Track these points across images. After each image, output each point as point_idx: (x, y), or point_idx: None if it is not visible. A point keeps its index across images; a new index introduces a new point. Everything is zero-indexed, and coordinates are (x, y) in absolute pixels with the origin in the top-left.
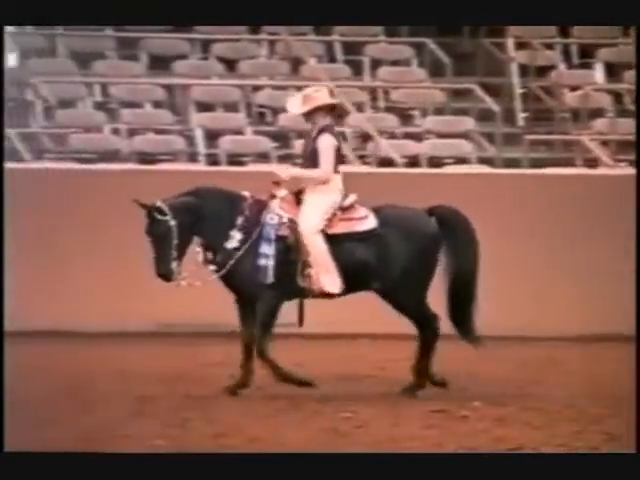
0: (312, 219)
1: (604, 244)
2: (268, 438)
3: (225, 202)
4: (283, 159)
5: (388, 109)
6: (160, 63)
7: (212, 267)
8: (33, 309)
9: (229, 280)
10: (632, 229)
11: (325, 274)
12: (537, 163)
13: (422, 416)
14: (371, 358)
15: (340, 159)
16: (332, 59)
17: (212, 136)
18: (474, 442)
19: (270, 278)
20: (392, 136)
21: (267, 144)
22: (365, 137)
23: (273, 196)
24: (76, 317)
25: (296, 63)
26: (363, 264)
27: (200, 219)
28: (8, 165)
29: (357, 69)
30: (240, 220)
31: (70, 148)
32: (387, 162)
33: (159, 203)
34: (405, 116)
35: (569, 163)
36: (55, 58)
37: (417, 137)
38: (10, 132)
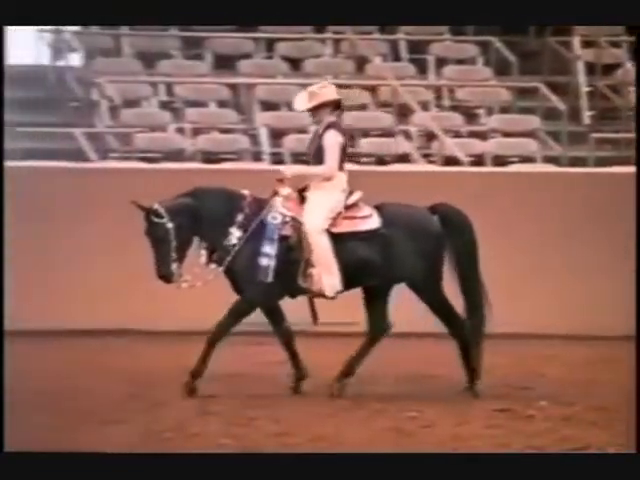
0: (317, 218)
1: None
2: (331, 437)
3: (223, 201)
4: (347, 158)
5: (453, 108)
6: (225, 62)
7: (214, 266)
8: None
9: (229, 277)
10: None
11: (327, 275)
12: (603, 162)
13: (487, 415)
14: (434, 357)
15: (345, 156)
16: (397, 58)
17: (276, 135)
18: (540, 442)
19: (270, 277)
20: (457, 135)
21: None
22: (430, 136)
23: (276, 194)
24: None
25: (361, 62)
26: (366, 263)
27: (198, 220)
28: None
29: (422, 68)
30: (240, 217)
31: (135, 147)
32: (452, 161)
33: (156, 206)
34: (470, 115)
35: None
36: (121, 58)
37: (482, 136)
38: (76, 132)
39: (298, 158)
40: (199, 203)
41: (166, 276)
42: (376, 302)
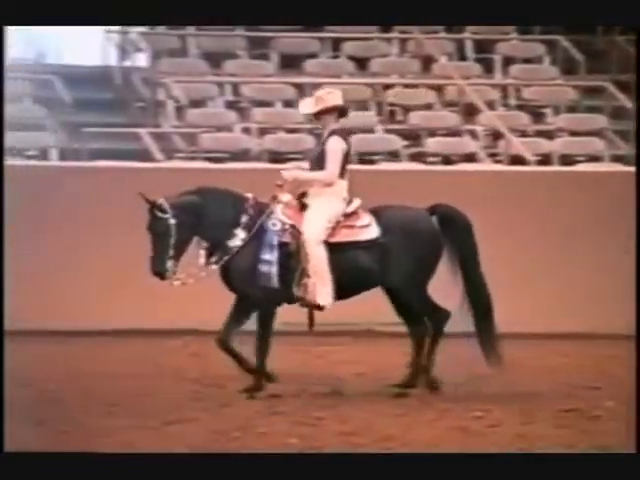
0: (316, 228)
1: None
2: (399, 437)
3: (228, 202)
4: (414, 157)
5: (520, 107)
6: (291, 62)
7: (213, 266)
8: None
9: (226, 277)
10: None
11: (321, 286)
12: None
13: (553, 415)
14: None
15: (347, 164)
16: (463, 57)
17: None
18: (606, 441)
19: (275, 284)
20: (524, 134)
21: (397, 142)
22: (496, 135)
23: (275, 199)
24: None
25: (427, 61)
26: (365, 272)
27: (201, 219)
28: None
29: (488, 67)
30: (245, 219)
31: (201, 148)
32: (518, 160)
33: (161, 200)
34: (537, 114)
35: None
36: (187, 58)
37: (549, 135)
38: (142, 132)
39: (364, 158)
40: (204, 202)
41: (160, 272)
42: (406, 308)
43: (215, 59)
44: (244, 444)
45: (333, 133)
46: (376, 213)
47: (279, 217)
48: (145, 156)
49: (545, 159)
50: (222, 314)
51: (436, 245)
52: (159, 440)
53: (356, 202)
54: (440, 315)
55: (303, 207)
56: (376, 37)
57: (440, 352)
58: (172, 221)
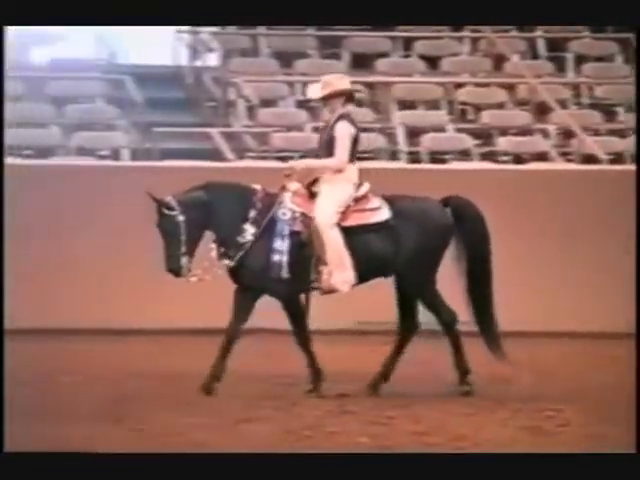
0: (327, 212)
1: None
2: (471, 436)
3: (236, 196)
4: (485, 157)
5: (592, 105)
6: (362, 61)
7: (226, 261)
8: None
9: (238, 273)
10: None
11: (339, 270)
12: None
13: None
14: (572, 356)
15: (357, 148)
16: (535, 55)
17: (413, 134)
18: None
19: (285, 273)
20: (596, 133)
21: (469, 141)
22: (568, 134)
23: (284, 189)
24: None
25: (499, 60)
26: (378, 256)
27: (211, 214)
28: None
29: (560, 65)
30: (253, 213)
31: (272, 147)
32: (590, 159)
33: (168, 198)
34: (609, 112)
35: None
36: (258, 57)
37: (621, 134)
38: (213, 132)
39: (435, 157)
40: (212, 197)
41: (175, 270)
42: (406, 301)
43: (286, 58)
44: (315, 443)
45: (341, 118)
46: (388, 199)
47: (289, 206)
48: (216, 156)
49: (617, 158)
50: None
51: (446, 236)
52: (230, 439)
53: (366, 186)
54: (447, 315)
55: (312, 195)
56: (447, 36)
57: (511, 351)
58: (181, 218)
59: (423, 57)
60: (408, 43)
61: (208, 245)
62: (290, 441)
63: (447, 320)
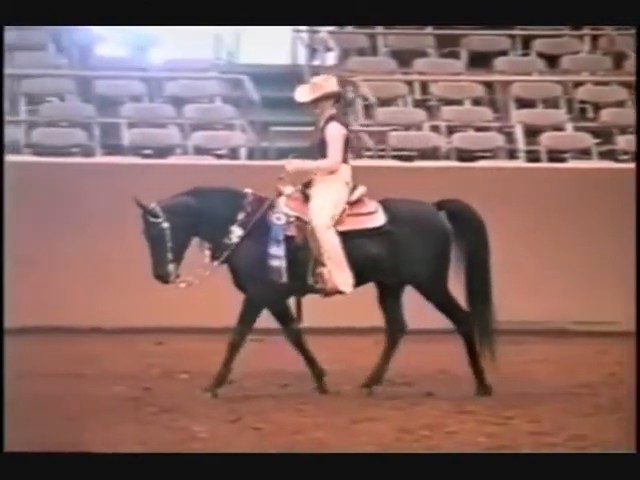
0: (323, 215)
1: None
2: (591, 436)
3: (224, 200)
4: (604, 155)
5: None
6: (480, 60)
7: (216, 263)
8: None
9: (234, 278)
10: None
11: (338, 271)
12: None
13: None
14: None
15: (349, 149)
16: None
17: (532, 132)
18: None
19: (285, 278)
20: None
21: (588, 140)
22: None
23: (279, 193)
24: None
25: (619, 58)
26: (373, 260)
27: (198, 219)
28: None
29: None
30: (241, 216)
31: (390, 146)
32: None
33: (152, 205)
34: None
35: None
36: (376, 56)
37: None
38: None
39: (553, 156)
40: (199, 203)
41: (162, 276)
42: (390, 302)
43: (404, 57)
44: (433, 443)
45: (331, 119)
46: (382, 203)
47: (283, 210)
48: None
49: None
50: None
51: (446, 241)
52: (347, 438)
53: (360, 189)
54: (460, 316)
55: (307, 198)
56: (567, 34)
57: (626, 351)
58: (165, 225)
59: (542, 55)
60: (527, 41)
61: (197, 250)
62: (408, 441)
63: (465, 328)
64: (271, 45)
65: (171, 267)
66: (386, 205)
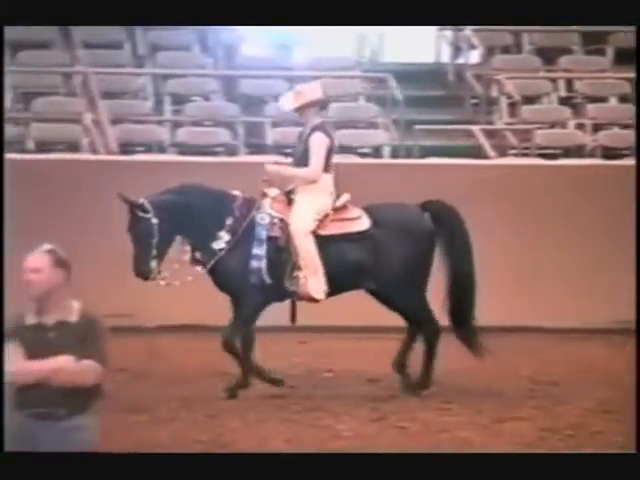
0: (303, 220)
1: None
2: None
3: (213, 201)
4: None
5: None
6: (626, 57)
7: (198, 267)
8: None
9: (215, 279)
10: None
11: (313, 278)
12: None
13: None
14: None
15: (332, 158)
16: None
17: None
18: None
19: (266, 279)
20: None
21: None
22: None
23: (264, 194)
24: None
25: None
26: (357, 265)
27: (184, 218)
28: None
29: None
30: (229, 221)
31: (534, 144)
32: None
33: (142, 200)
34: None
35: None
36: (520, 54)
37: None
38: (474, 129)
39: None
40: (187, 201)
41: (144, 273)
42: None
43: (549, 54)
44: (577, 442)
45: (315, 129)
46: (366, 209)
47: (267, 211)
48: (477, 153)
49: None
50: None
51: (430, 243)
52: (490, 437)
53: (345, 197)
54: (431, 329)
55: (291, 202)
56: None
57: None
58: (154, 220)
59: None
60: None
61: (180, 249)
62: (550, 440)
63: (430, 335)
64: (415, 43)
65: (153, 264)
66: (370, 210)
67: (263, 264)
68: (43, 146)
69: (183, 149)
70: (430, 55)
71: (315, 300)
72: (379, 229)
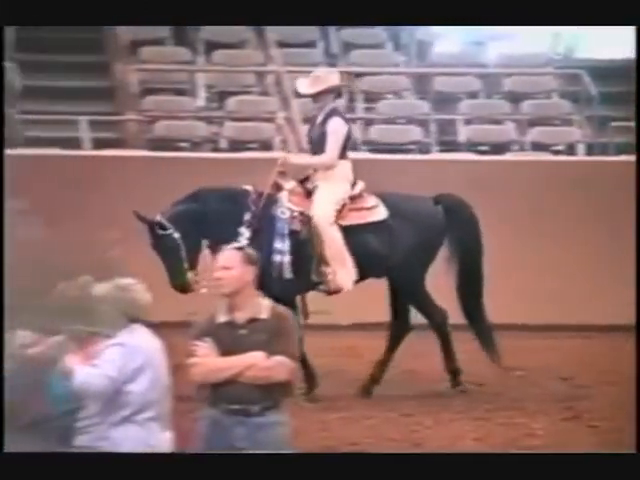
0: (325, 211)
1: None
2: None
3: (228, 200)
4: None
5: None
6: None
7: None
8: None
9: None
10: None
11: (342, 268)
12: None
13: None
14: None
15: (349, 145)
16: None
17: None
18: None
19: (288, 274)
20: None
21: None
22: None
23: (279, 187)
24: None
25: None
26: (376, 255)
27: (205, 223)
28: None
29: None
30: (247, 216)
31: None
32: None
33: (158, 217)
34: None
35: None
36: None
37: None
38: None
39: None
40: (203, 205)
41: (181, 286)
42: (399, 301)
43: None
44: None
45: (334, 114)
46: (381, 197)
47: (286, 205)
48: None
49: None
50: None
51: (439, 237)
52: None
53: (360, 184)
54: (438, 315)
55: (309, 193)
56: None
57: None
58: (176, 235)
59: None
60: None
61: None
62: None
63: (438, 320)
64: (611, 40)
65: (189, 275)
66: (385, 199)
67: (286, 259)
68: (236, 144)
69: (375, 147)
70: (627, 51)
71: (344, 291)
72: (395, 219)
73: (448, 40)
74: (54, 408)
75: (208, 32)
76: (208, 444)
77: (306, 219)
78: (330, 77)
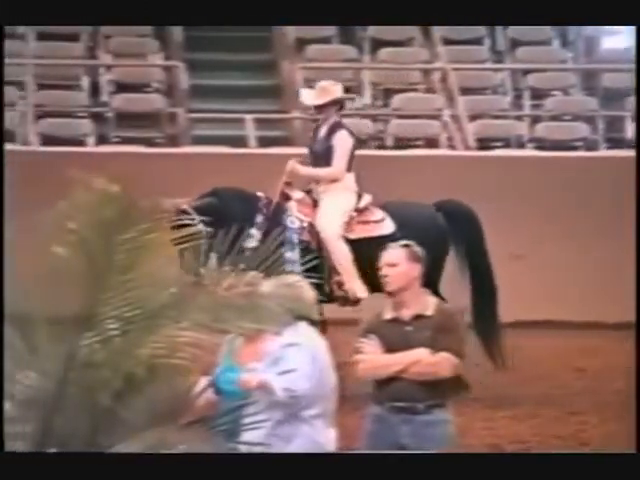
0: (332, 224)
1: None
2: None
3: (243, 201)
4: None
5: None
6: None
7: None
8: None
9: None
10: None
11: (353, 279)
12: None
13: None
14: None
15: (354, 158)
16: None
17: None
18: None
19: None
20: None
21: None
22: None
23: (287, 197)
24: None
25: None
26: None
27: (221, 220)
28: None
29: None
30: (259, 219)
31: None
32: None
33: (185, 206)
34: None
35: None
36: None
37: None
38: None
39: None
40: (222, 203)
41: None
42: None
43: None
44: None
45: (338, 127)
46: (385, 208)
47: (295, 214)
48: None
49: None
50: None
51: (444, 245)
52: None
53: (367, 198)
54: None
55: (316, 204)
56: None
57: None
58: (200, 226)
59: None
60: None
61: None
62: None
63: None
64: None
65: (202, 271)
66: (390, 210)
67: (297, 269)
68: (401, 142)
69: (542, 144)
70: None
71: (356, 302)
72: (402, 232)
73: (617, 35)
74: (221, 404)
75: (374, 30)
76: (373, 441)
77: (315, 230)
78: (335, 89)
